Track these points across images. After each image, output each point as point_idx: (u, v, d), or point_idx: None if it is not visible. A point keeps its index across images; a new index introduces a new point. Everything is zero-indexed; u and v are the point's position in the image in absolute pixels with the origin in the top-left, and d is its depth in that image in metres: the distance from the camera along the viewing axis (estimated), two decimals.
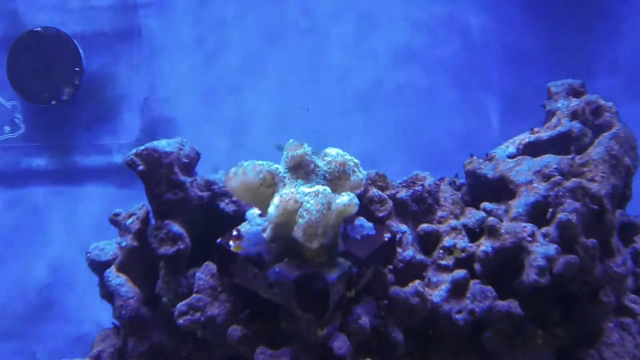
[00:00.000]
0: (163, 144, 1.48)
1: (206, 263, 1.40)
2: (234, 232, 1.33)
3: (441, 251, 1.49)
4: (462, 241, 1.49)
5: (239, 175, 1.24)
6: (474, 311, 1.40)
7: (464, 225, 1.53)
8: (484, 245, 1.46)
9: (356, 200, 1.22)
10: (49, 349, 2.62)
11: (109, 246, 1.56)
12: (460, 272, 1.44)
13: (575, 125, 1.68)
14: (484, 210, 1.57)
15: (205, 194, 1.50)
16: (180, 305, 1.36)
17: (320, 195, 1.19)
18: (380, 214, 1.50)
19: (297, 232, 1.17)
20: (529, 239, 1.42)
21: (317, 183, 1.25)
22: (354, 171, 1.28)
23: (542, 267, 1.38)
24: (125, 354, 1.49)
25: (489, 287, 1.42)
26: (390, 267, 1.43)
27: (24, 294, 2.69)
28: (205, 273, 1.39)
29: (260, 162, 1.25)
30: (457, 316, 1.41)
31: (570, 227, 1.43)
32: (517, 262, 1.43)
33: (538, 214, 1.50)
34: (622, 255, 1.54)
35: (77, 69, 2.73)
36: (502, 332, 1.41)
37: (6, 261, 2.71)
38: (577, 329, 1.49)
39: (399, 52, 2.91)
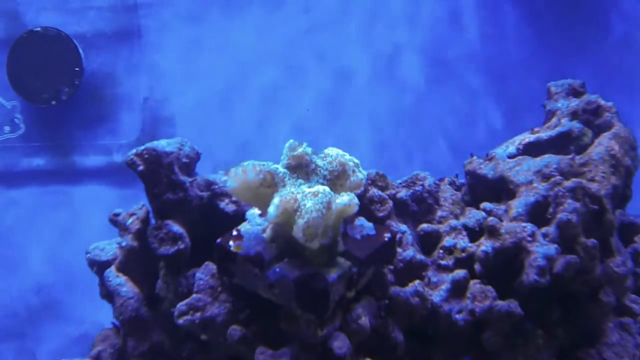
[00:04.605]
0: (163, 144, 1.48)
1: (206, 263, 1.40)
2: (234, 232, 1.33)
3: (441, 251, 1.49)
4: (462, 241, 1.49)
5: (239, 175, 1.24)
6: (474, 311, 1.40)
7: (464, 225, 1.53)
8: (484, 245, 1.46)
9: (356, 200, 1.22)
10: (49, 349, 2.62)
11: (109, 246, 1.56)
12: (460, 272, 1.44)
13: (576, 125, 1.68)
14: (484, 210, 1.57)
15: (205, 194, 1.50)
16: (180, 305, 1.36)
17: (320, 195, 1.19)
18: (380, 214, 1.50)
19: (297, 232, 1.17)
20: (529, 239, 1.43)
21: (317, 183, 1.25)
22: (354, 171, 1.28)
23: (542, 267, 1.38)
24: (125, 354, 1.49)
25: (489, 287, 1.42)
26: (390, 267, 1.43)
27: (24, 294, 2.69)
28: (205, 273, 1.39)
29: (260, 162, 1.25)
30: (457, 316, 1.41)
31: (570, 227, 1.43)
32: (517, 262, 1.43)
33: (538, 214, 1.50)
34: (622, 255, 1.54)
35: (77, 69, 2.73)
36: (502, 332, 1.41)
37: (6, 261, 2.71)
38: (577, 329, 1.49)
39: (398, 52, 2.91)
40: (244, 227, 1.34)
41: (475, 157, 1.71)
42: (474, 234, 1.52)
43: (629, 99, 2.76)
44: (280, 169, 1.26)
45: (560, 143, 1.67)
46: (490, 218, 1.49)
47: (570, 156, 1.59)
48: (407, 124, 2.87)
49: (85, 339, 2.48)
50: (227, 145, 2.78)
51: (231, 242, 1.30)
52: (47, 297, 2.68)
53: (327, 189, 1.21)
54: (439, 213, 1.57)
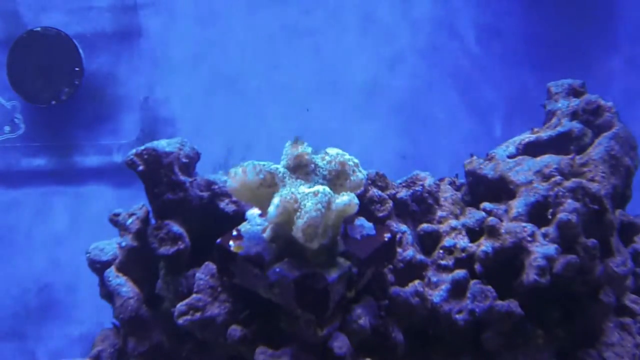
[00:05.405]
0: (163, 144, 1.48)
1: (206, 263, 1.40)
2: (234, 232, 1.33)
3: (441, 251, 1.49)
4: (462, 241, 1.49)
5: (239, 175, 1.24)
6: (474, 311, 1.40)
7: (464, 225, 1.53)
8: (484, 245, 1.46)
9: (356, 200, 1.22)
10: (49, 349, 2.62)
11: (109, 246, 1.56)
12: (460, 272, 1.44)
13: (576, 125, 1.68)
14: (484, 210, 1.57)
15: (205, 194, 1.50)
16: (180, 305, 1.36)
17: (320, 195, 1.18)
18: (380, 214, 1.50)
19: (297, 232, 1.17)
20: (529, 239, 1.43)
21: (317, 183, 1.25)
22: (354, 171, 1.28)
23: (542, 267, 1.38)
24: (125, 354, 1.49)
25: (489, 287, 1.42)
26: (390, 267, 1.43)
27: (24, 294, 2.69)
28: (205, 273, 1.39)
29: (260, 162, 1.25)
30: (457, 316, 1.41)
31: (570, 227, 1.43)
32: (517, 262, 1.43)
33: (538, 214, 1.49)
34: (622, 255, 1.54)
35: (77, 69, 2.73)
36: (502, 332, 1.41)
37: (6, 261, 2.71)
38: (577, 329, 1.48)
39: (398, 52, 2.91)
40: (244, 227, 1.34)
41: (475, 157, 1.71)
42: (474, 234, 1.52)
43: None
44: (280, 168, 1.26)
45: (560, 143, 1.67)
46: (490, 218, 1.49)
47: (570, 156, 1.59)
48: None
49: (85, 339, 2.48)
50: (226, 145, 2.78)
51: (231, 242, 1.30)
52: (47, 297, 2.68)
53: (327, 188, 1.21)
54: (439, 213, 1.57)
